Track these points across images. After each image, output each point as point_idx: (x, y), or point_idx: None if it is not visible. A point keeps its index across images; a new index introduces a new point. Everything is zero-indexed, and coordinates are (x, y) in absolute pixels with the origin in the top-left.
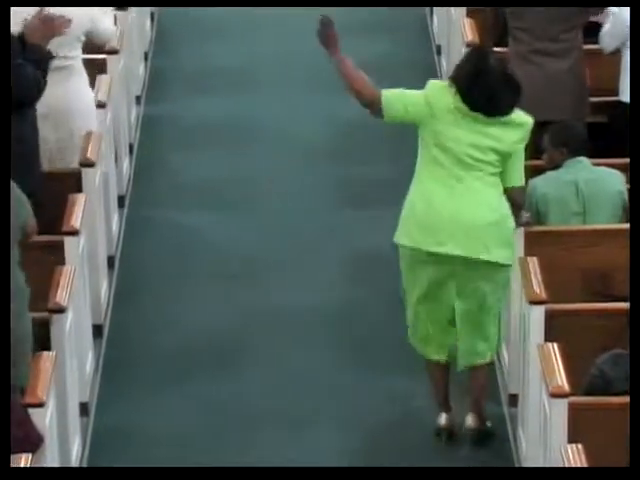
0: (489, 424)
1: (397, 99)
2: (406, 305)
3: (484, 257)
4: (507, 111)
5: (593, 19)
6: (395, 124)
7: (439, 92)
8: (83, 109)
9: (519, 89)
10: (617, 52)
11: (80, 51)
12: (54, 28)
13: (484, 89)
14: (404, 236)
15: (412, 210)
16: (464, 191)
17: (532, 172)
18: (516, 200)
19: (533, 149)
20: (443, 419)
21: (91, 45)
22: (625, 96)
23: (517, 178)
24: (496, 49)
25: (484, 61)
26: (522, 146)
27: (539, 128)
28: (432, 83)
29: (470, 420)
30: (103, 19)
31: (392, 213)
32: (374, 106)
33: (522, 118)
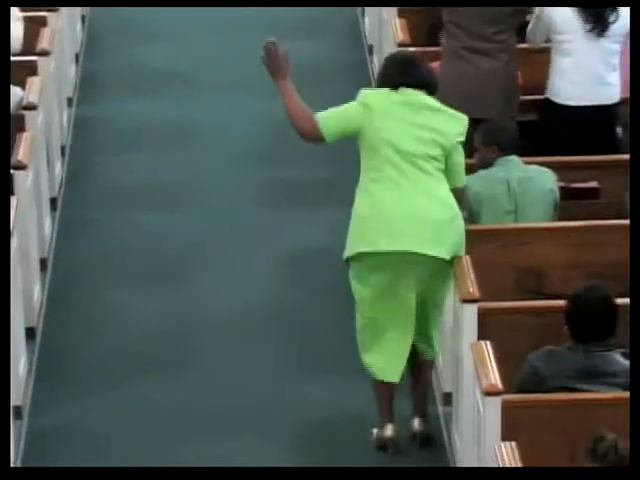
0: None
1: (331, 114)
2: (360, 326)
3: (440, 254)
4: (417, 83)
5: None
6: (338, 141)
7: (374, 93)
8: None
9: (430, 76)
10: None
11: None
12: None
13: (398, 63)
14: (357, 244)
15: (362, 219)
16: (416, 188)
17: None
18: (460, 198)
19: (467, 148)
20: (389, 430)
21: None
22: (553, 95)
23: (460, 178)
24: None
25: (395, 53)
26: (460, 146)
27: (471, 126)
28: (364, 91)
29: (417, 424)
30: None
31: (327, 213)
32: (314, 132)
33: (459, 113)
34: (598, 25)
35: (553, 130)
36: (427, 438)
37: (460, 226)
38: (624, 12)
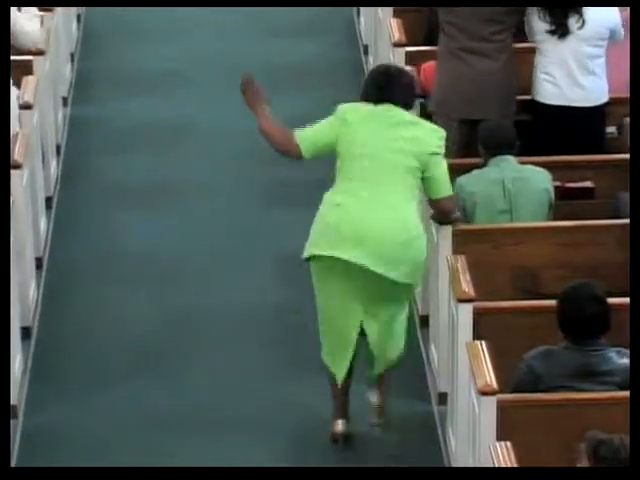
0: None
1: (307, 129)
2: (320, 321)
3: (388, 274)
4: (395, 100)
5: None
6: (317, 156)
7: (350, 106)
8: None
9: (409, 88)
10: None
11: None
12: None
13: (373, 82)
14: (313, 247)
15: (322, 221)
16: (380, 203)
17: (460, 171)
18: (447, 208)
19: (462, 147)
20: (340, 425)
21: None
22: (536, 94)
23: (445, 188)
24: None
25: (378, 67)
26: (441, 155)
27: (469, 127)
28: (341, 105)
29: (373, 396)
30: (22, 22)
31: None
32: (292, 147)
33: (434, 125)
34: (559, 28)
35: (539, 130)
36: (382, 412)
37: (419, 247)
38: (602, 17)
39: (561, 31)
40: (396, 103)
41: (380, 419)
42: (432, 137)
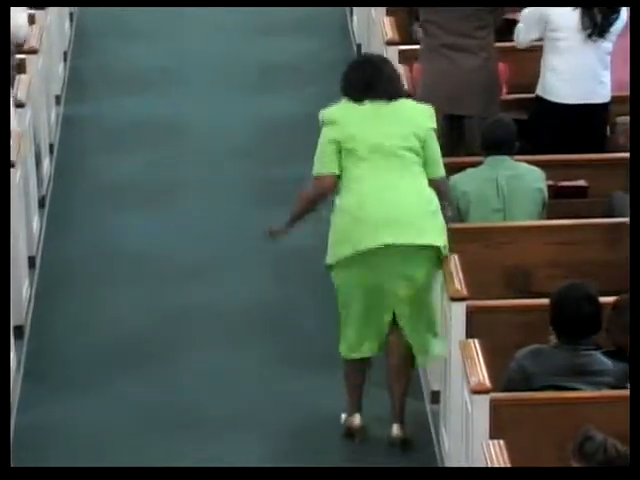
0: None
1: (317, 159)
2: (342, 321)
3: (428, 242)
4: (384, 95)
5: (511, 17)
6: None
7: (335, 109)
8: None
9: (394, 87)
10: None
11: None
12: None
13: (359, 79)
14: (344, 249)
15: (350, 219)
16: (397, 183)
17: (453, 169)
18: (442, 189)
19: (447, 146)
20: (357, 419)
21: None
22: (546, 93)
23: (439, 168)
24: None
25: (358, 59)
26: (434, 134)
27: (449, 124)
28: (323, 111)
29: (396, 430)
30: (16, 16)
31: (315, 213)
32: (323, 189)
33: (419, 103)
34: (596, 30)
35: (545, 128)
36: (405, 442)
37: (442, 220)
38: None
39: (599, 32)
40: (382, 97)
41: (401, 434)
42: (423, 112)
